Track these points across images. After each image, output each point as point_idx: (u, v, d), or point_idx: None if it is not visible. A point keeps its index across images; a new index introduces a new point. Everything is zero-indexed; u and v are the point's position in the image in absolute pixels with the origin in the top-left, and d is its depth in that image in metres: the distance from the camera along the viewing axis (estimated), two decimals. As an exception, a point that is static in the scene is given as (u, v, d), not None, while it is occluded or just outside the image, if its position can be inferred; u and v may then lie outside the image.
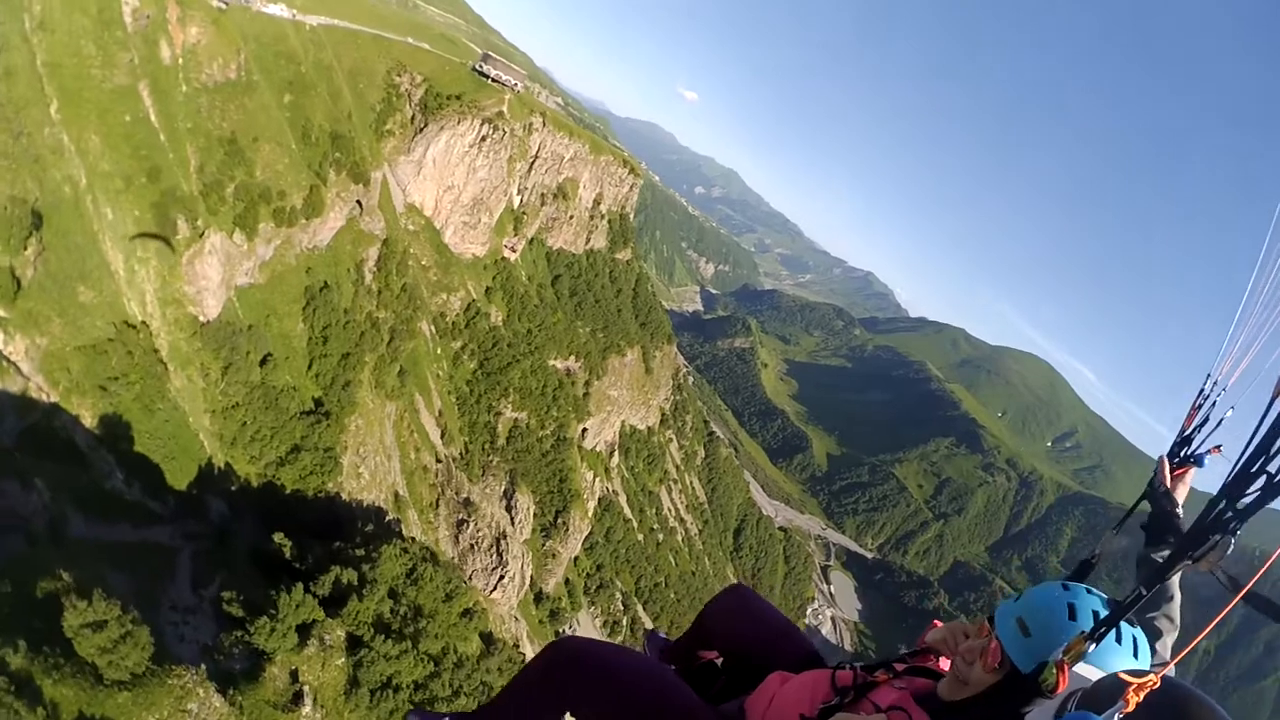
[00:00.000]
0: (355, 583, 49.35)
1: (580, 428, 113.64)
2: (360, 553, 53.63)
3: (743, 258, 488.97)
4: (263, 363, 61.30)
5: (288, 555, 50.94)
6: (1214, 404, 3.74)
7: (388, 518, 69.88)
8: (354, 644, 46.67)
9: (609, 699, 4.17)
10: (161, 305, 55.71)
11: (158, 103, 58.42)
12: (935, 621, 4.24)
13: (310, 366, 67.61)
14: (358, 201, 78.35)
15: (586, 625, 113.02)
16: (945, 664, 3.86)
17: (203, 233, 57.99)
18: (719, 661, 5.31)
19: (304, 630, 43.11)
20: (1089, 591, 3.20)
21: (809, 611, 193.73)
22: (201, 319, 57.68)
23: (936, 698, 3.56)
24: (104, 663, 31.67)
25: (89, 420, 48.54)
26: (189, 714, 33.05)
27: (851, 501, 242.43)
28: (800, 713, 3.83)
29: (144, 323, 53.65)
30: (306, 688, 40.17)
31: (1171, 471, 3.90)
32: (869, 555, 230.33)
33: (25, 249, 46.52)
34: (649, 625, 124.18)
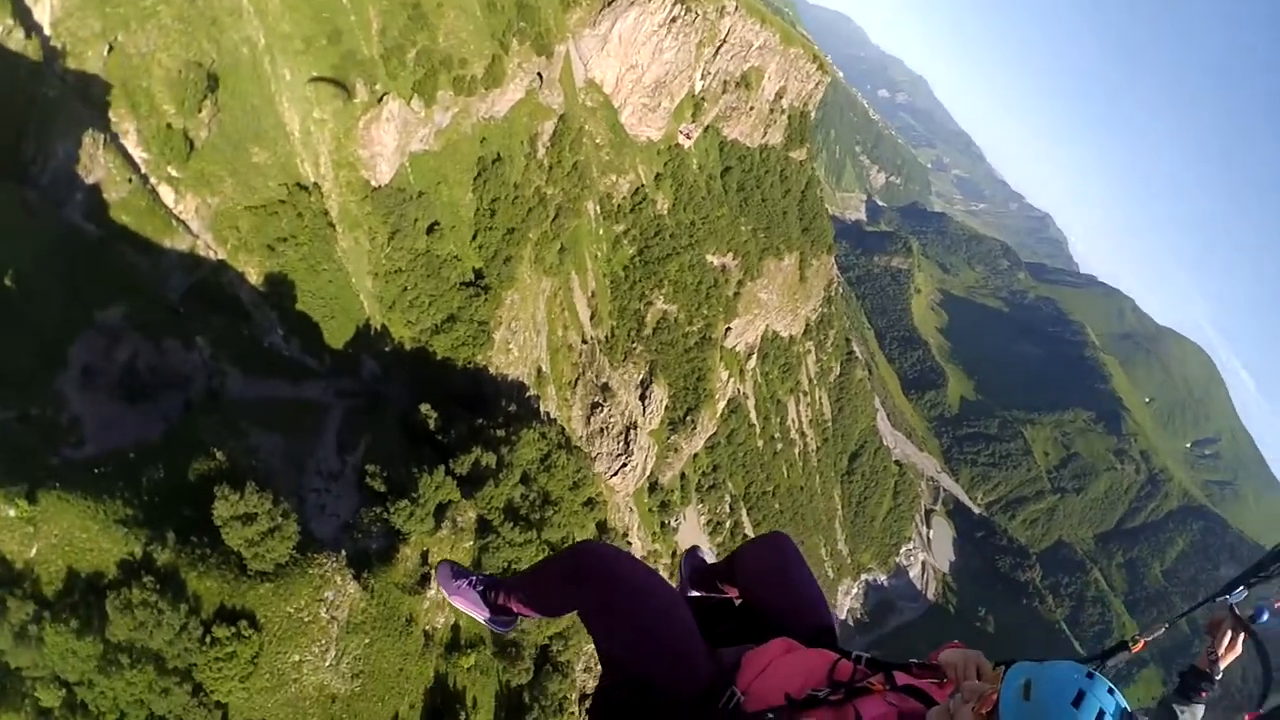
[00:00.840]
0: (493, 465, 49.98)
1: (725, 327, 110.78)
2: (500, 433, 54.19)
3: (917, 173, 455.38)
4: (429, 231, 61.08)
5: (432, 426, 52.00)
6: None
7: (528, 393, 70.70)
8: (483, 527, 47.65)
9: (613, 611, 4.17)
10: (335, 167, 55.48)
11: None
12: (956, 641, 4.02)
13: (475, 237, 67.12)
14: (538, 74, 75.37)
15: (693, 521, 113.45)
16: (946, 691, 3.64)
17: (381, 98, 56.75)
18: (737, 602, 5.36)
19: (440, 511, 43.97)
20: (1110, 691, 3.00)
21: (903, 551, 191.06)
22: (374, 183, 57.33)
23: None
24: (250, 554, 32.72)
25: (254, 278, 49.91)
26: (325, 602, 34.27)
27: (974, 451, 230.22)
28: (787, 691, 3.71)
29: (316, 184, 53.81)
30: (433, 571, 41.09)
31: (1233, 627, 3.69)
32: (976, 510, 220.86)
33: (200, 111, 46.93)
34: (749, 532, 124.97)
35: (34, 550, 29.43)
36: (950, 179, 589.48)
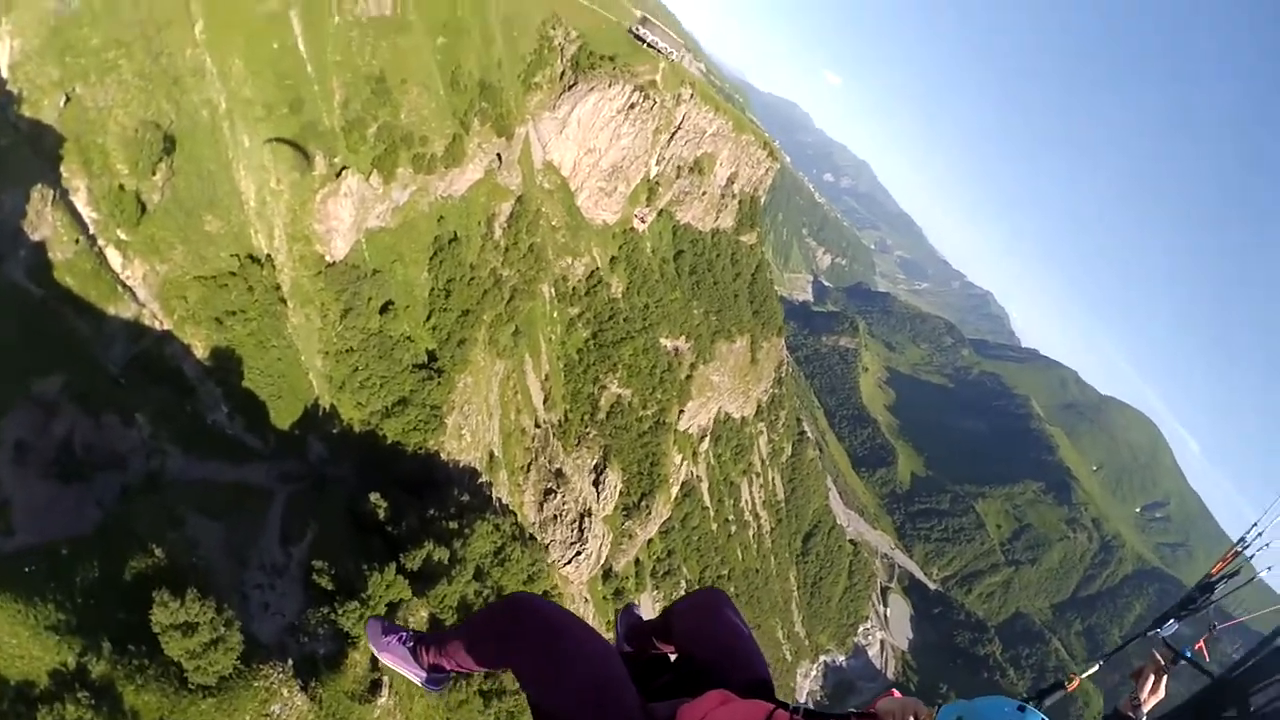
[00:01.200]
0: (446, 561, 47.19)
1: (679, 411, 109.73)
2: (453, 525, 51.59)
3: (861, 254, 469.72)
4: (383, 310, 59.15)
5: (382, 516, 49.10)
6: (1252, 557, 3.73)
7: (480, 480, 68.06)
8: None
9: (544, 662, 4.06)
10: (289, 240, 53.76)
11: (308, 32, 55.63)
12: (893, 690, 3.98)
13: (429, 318, 65.33)
14: (498, 155, 75.23)
15: (647, 608, 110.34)
16: None
17: (340, 171, 55.58)
18: (673, 657, 5.31)
19: (391, 611, 40.95)
20: None
21: (860, 630, 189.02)
22: (328, 259, 55.64)
23: None
24: (191, 666, 29.77)
25: (200, 351, 47.45)
26: (270, 717, 31.04)
27: (926, 527, 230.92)
28: None
29: (269, 256, 51.89)
30: (386, 676, 37.88)
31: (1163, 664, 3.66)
32: (932, 585, 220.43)
33: (154, 173, 45.08)
34: None
35: None
36: (894, 259, 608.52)
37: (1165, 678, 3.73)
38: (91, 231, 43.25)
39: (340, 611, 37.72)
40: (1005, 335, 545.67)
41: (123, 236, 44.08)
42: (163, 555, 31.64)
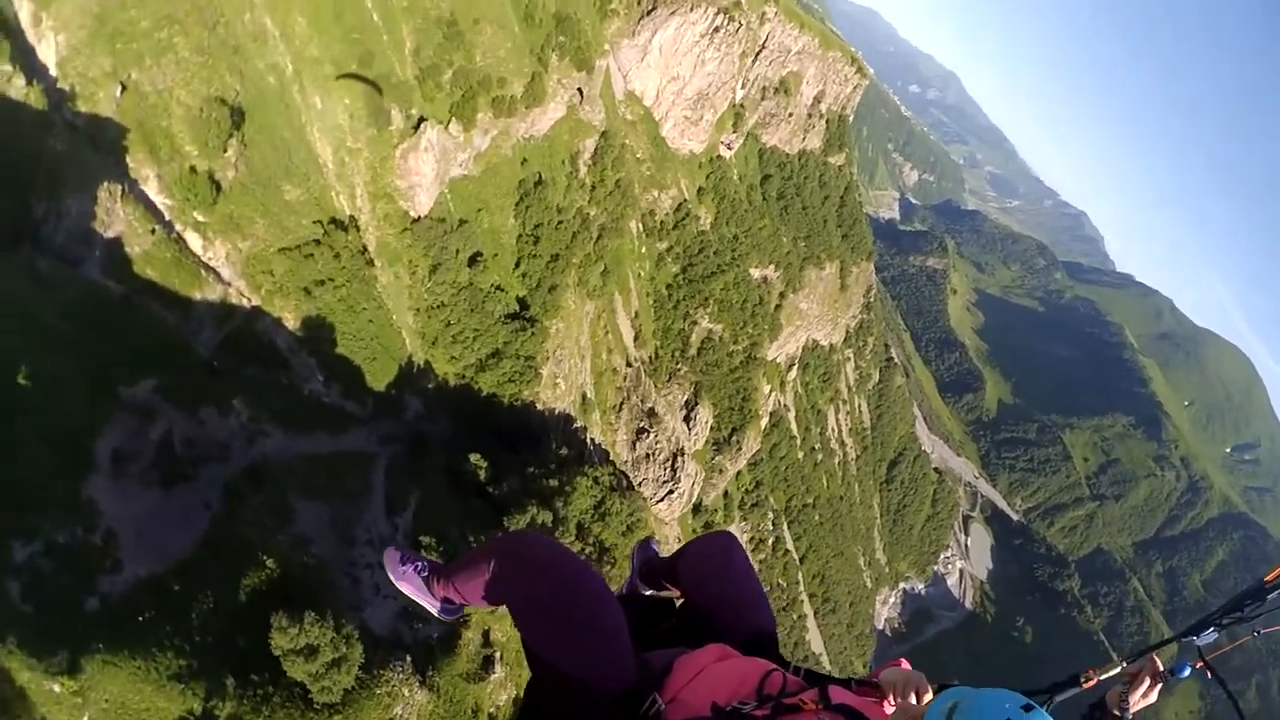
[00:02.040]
0: (549, 523, 46.02)
1: (770, 345, 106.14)
2: (554, 483, 50.16)
3: (949, 169, 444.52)
4: (471, 262, 56.87)
5: (483, 478, 48.03)
6: None
7: (575, 425, 66.71)
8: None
9: (537, 600, 3.96)
10: (371, 200, 51.30)
11: None
12: (902, 660, 3.90)
13: (518, 265, 62.93)
14: (579, 90, 70.94)
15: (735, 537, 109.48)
16: (887, 709, 3.54)
17: (418, 125, 52.56)
18: (679, 603, 5.09)
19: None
20: None
21: (941, 559, 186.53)
22: (413, 214, 53.21)
23: None
24: (315, 688, 28.86)
25: (291, 323, 45.68)
26: (395, 719, 30.37)
27: (1012, 456, 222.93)
28: (714, 700, 3.44)
29: (352, 218, 49.67)
30: (498, 651, 37.02)
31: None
32: (1014, 516, 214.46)
33: (225, 150, 42.23)
34: (791, 547, 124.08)
35: (85, 718, 26.02)
36: (983, 176, 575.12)
37: (1159, 685, 3.51)
38: (167, 218, 41.05)
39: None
40: (1100, 259, 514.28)
41: (200, 218, 41.92)
42: (275, 565, 30.70)
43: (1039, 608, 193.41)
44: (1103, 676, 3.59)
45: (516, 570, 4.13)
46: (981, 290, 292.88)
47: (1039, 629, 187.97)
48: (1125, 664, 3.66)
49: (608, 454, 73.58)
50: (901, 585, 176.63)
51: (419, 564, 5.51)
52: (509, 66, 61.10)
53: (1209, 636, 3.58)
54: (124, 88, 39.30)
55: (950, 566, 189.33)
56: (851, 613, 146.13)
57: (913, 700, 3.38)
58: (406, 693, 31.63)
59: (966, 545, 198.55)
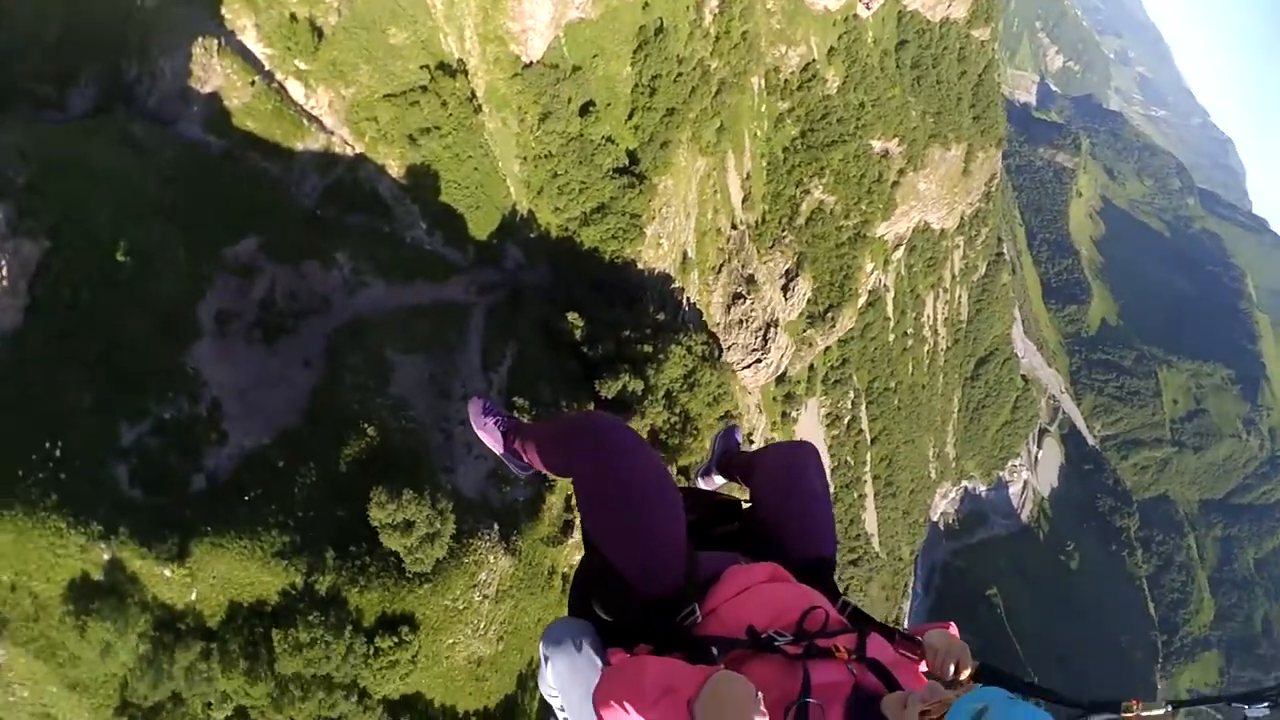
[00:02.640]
0: (640, 392, 45.09)
1: (882, 229, 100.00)
2: (648, 349, 48.86)
3: (1097, 61, 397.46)
4: (583, 112, 53.42)
5: (578, 337, 47.01)
6: None
7: (673, 285, 64.71)
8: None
9: (597, 481, 3.89)
10: (482, 42, 47.55)
11: None
12: (951, 624, 3.73)
13: (631, 117, 59.04)
14: (709, -74, 63.89)
15: (813, 412, 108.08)
16: (922, 670, 3.40)
17: None
18: (745, 504, 4.92)
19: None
20: None
21: (1008, 466, 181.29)
22: (524, 59, 49.53)
23: (876, 711, 2.88)
24: (409, 559, 29.91)
25: (395, 170, 43.81)
26: (479, 585, 31.03)
27: (1102, 379, 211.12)
28: (751, 623, 3.32)
29: (460, 62, 46.45)
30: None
31: None
32: (1091, 440, 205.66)
33: None
34: (865, 427, 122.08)
35: (194, 594, 27.51)
36: (1132, 76, 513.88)
37: None
38: (267, 68, 38.50)
39: (545, 458, 36.36)
40: (1238, 194, 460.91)
41: (302, 66, 39.12)
42: (374, 433, 30.73)
43: (1092, 537, 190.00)
44: (1145, 714, 3.18)
45: (584, 449, 4.00)
46: (1108, 199, 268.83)
47: (1086, 558, 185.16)
48: (1169, 707, 3.24)
49: (701, 315, 72.04)
50: (964, 483, 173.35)
51: (499, 417, 5.49)
52: (635, -106, 54.97)
53: (1260, 710, 3.18)
54: None
55: (1015, 475, 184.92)
56: (909, 500, 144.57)
57: (950, 671, 3.21)
58: (492, 560, 32.37)
59: (1036, 458, 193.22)
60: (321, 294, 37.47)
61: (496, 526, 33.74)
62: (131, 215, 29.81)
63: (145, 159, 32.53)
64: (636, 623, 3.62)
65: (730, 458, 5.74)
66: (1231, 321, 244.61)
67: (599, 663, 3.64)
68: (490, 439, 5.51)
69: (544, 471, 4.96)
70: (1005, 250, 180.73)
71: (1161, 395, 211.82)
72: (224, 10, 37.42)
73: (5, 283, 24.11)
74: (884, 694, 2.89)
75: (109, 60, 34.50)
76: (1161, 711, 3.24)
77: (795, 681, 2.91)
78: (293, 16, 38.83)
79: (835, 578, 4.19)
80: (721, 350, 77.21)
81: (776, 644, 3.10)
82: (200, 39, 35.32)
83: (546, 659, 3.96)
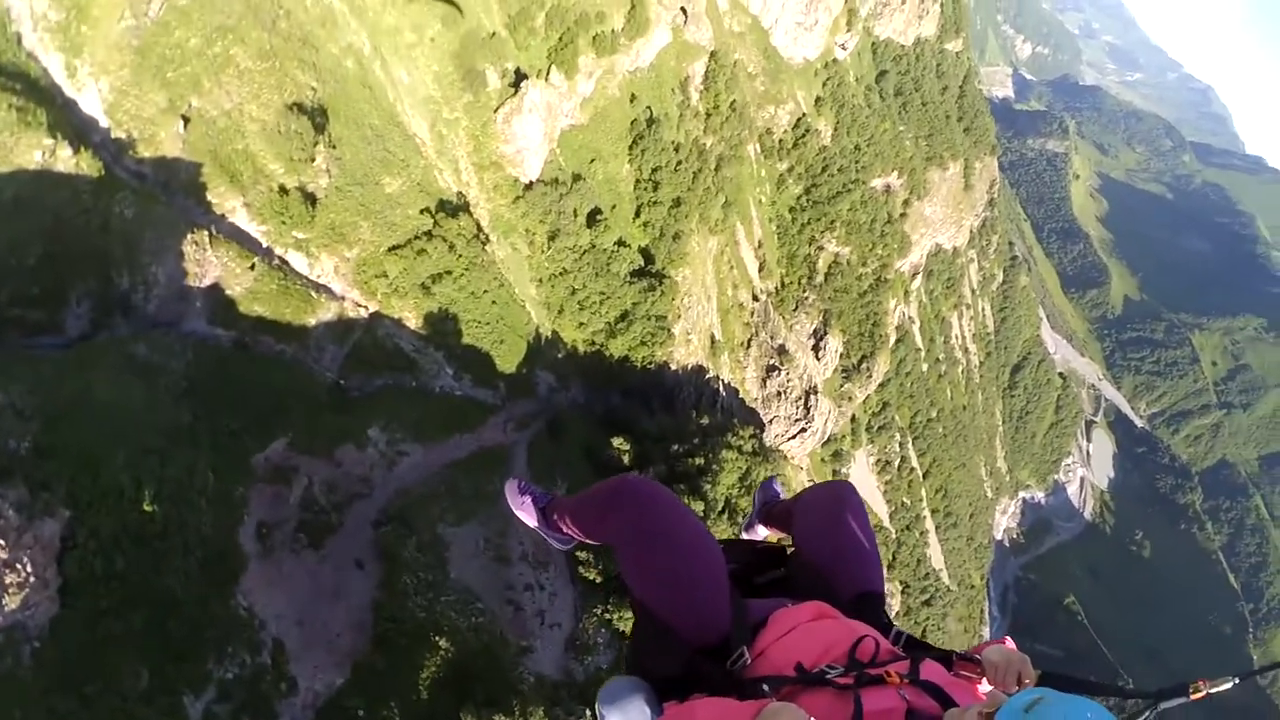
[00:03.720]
0: (702, 512, 42.48)
1: (899, 264, 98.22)
2: (699, 462, 46.34)
3: (1065, 41, 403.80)
4: (591, 223, 51.86)
5: (627, 462, 44.59)
6: None
7: (707, 375, 62.62)
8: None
9: (639, 547, 3.88)
10: (478, 171, 46.44)
11: None
12: (1007, 639, 3.72)
13: (638, 214, 57.67)
14: (682, 9, 63.30)
15: (862, 463, 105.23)
16: (981, 689, 3.35)
17: (516, 82, 46.93)
18: (789, 549, 4.93)
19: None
20: None
21: (1062, 467, 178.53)
22: (523, 180, 48.37)
23: None
24: None
25: (413, 321, 41.90)
26: None
27: (1137, 357, 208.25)
28: (800, 660, 3.33)
29: (460, 195, 45.10)
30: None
31: None
32: (1138, 423, 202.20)
33: (314, 159, 37.15)
34: (915, 464, 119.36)
35: None
36: (1101, 46, 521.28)
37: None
38: (265, 246, 36.59)
39: (614, 612, 33.63)
40: (1228, 138, 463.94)
41: (300, 236, 37.24)
42: (447, 644, 28.01)
43: (1159, 521, 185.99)
44: (1213, 690, 3.27)
45: (620, 510, 3.98)
46: (1105, 174, 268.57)
47: (1157, 544, 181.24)
48: (1236, 680, 3.28)
49: (738, 392, 69.78)
50: (1021, 495, 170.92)
51: (536, 494, 5.50)
52: (606, -1, 54.21)
53: None
54: (186, 120, 33.82)
55: (1071, 474, 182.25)
56: (971, 525, 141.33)
57: (1014, 685, 3.16)
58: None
59: (1088, 452, 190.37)
60: (360, 475, 35.26)
61: (588, 713, 30.74)
62: (150, 451, 27.45)
63: (154, 380, 30.41)
64: (688, 673, 3.59)
65: (771, 508, 5.79)
66: (1251, 269, 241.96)
67: (651, 716, 3.61)
68: (528, 516, 5.50)
69: (584, 540, 4.91)
70: (1016, 249, 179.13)
71: (1199, 360, 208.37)
72: (209, 195, 35.44)
73: (33, 578, 21.97)
74: (940, 715, 2.80)
75: (98, 273, 32.43)
76: (1229, 685, 3.19)
77: (847, 710, 2.84)
78: (281, 189, 36.86)
79: (887, 611, 4.07)
80: (764, 426, 75.05)
81: (827, 676, 3.06)
82: (189, 234, 32.95)
83: (602, 717, 3.78)
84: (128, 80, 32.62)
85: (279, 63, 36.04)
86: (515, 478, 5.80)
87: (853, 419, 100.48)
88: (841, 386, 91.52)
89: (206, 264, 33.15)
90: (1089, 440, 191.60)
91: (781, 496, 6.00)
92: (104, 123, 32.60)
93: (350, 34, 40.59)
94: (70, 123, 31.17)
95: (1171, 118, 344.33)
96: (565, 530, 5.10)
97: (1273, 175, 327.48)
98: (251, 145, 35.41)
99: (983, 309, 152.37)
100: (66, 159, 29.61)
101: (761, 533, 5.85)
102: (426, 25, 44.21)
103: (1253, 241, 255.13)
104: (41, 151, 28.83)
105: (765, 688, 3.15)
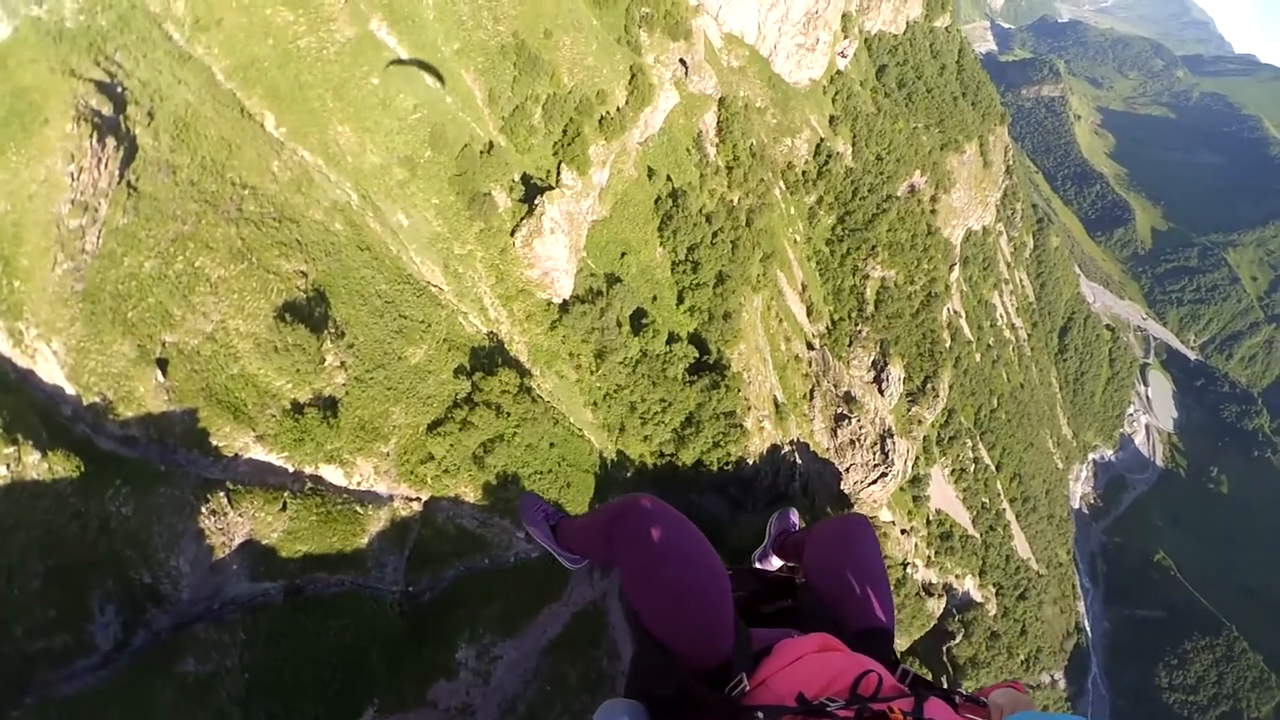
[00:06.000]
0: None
1: (948, 270, 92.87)
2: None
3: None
4: (635, 327, 46.67)
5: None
6: None
7: (783, 451, 57.20)
8: None
9: (641, 565, 3.80)
10: (505, 303, 41.58)
11: (403, 34, 38.93)
12: (1017, 683, 3.64)
13: (681, 300, 52.50)
14: (681, 61, 58.44)
15: (938, 478, 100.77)
16: None
17: (528, 197, 42.33)
18: (800, 580, 4.91)
19: None
20: None
21: (1125, 418, 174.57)
22: (557, 301, 43.42)
23: None
24: None
25: (471, 496, 37.00)
26: None
27: (1176, 289, 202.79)
28: (801, 690, 3.25)
29: (491, 334, 40.16)
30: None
31: None
32: (1191, 356, 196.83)
33: (323, 360, 31.96)
34: (987, 459, 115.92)
35: None
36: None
37: None
38: (292, 471, 31.18)
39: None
40: (1215, 43, 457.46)
41: (330, 448, 32.05)
42: None
43: (1231, 453, 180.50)
44: None
45: (626, 529, 3.89)
46: (1104, 108, 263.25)
47: (1234, 477, 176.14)
48: None
49: (808, 447, 64.66)
50: (1091, 457, 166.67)
51: (548, 511, 5.53)
52: (603, 74, 49.05)
53: None
54: (164, 363, 28.21)
55: (1136, 424, 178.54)
56: (1049, 501, 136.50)
57: None
58: None
59: (1148, 397, 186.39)
60: (459, 706, 30.63)
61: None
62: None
63: (212, 695, 25.48)
64: (684, 696, 3.49)
65: (785, 538, 5.66)
66: (1269, 172, 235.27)
67: None
68: (539, 533, 5.43)
69: (593, 558, 4.83)
70: (1037, 203, 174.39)
71: (1239, 279, 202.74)
72: (214, 440, 29.63)
73: None
74: None
75: (115, 573, 27.16)
76: None
77: None
78: (294, 405, 31.53)
79: (894, 648, 4.06)
80: (840, 477, 69.76)
81: (828, 709, 2.96)
82: (203, 508, 27.59)
83: None
84: (83, 334, 26.79)
85: (256, 258, 30.40)
86: (531, 496, 5.77)
87: (924, 439, 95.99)
88: (909, 411, 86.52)
89: (232, 526, 27.93)
90: (1146, 385, 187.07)
91: (797, 527, 5.90)
92: (70, 390, 26.83)
93: (332, 189, 35.36)
94: (32, 405, 25.33)
95: (1155, 35, 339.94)
96: (574, 550, 5.08)
97: (1270, 72, 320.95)
98: (247, 366, 29.83)
99: (1020, 279, 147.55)
100: (36, 464, 24.01)
101: (774, 563, 5.67)
102: (416, 153, 39.30)
103: (1264, 144, 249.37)
104: (5, 463, 23.41)
105: (760, 715, 2.99)
